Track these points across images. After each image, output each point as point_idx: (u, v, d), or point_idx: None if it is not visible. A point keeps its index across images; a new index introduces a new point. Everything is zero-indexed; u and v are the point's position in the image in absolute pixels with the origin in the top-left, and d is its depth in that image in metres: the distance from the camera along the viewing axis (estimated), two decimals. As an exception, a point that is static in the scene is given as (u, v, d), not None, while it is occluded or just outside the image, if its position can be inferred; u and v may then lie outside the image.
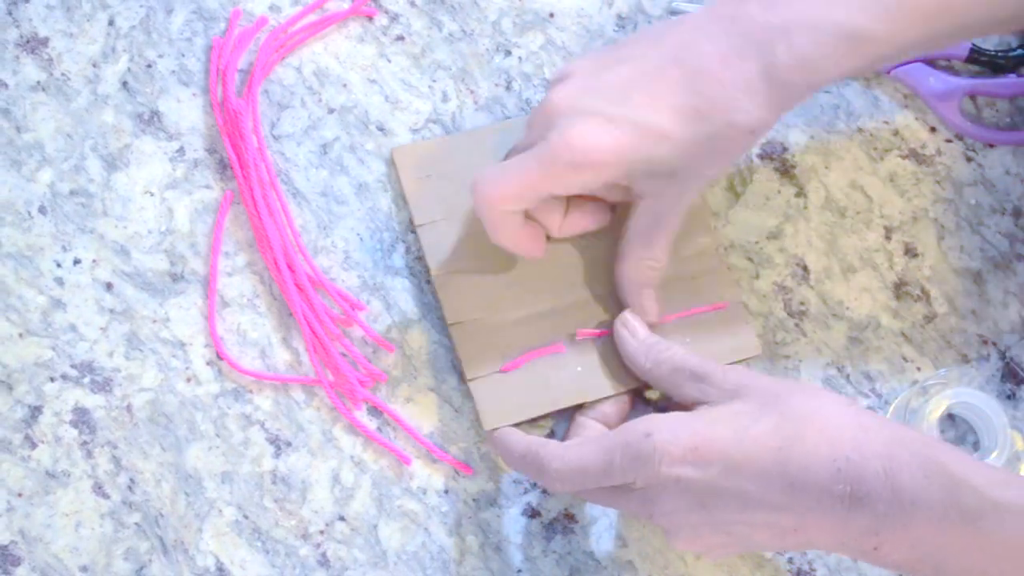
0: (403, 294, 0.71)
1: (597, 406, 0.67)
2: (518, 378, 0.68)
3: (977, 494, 0.55)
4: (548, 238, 0.68)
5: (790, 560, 0.69)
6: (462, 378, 0.69)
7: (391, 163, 0.72)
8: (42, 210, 0.72)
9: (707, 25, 0.62)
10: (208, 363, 0.70)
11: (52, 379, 0.70)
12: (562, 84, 0.64)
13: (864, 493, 0.56)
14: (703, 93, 0.61)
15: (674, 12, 0.76)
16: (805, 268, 0.72)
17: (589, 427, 0.66)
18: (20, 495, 0.68)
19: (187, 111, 0.74)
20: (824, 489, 0.56)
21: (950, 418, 0.70)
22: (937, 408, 0.68)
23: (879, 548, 0.57)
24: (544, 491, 0.69)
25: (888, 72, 0.75)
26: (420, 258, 0.72)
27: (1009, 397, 0.71)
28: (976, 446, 0.69)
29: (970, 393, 0.69)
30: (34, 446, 0.69)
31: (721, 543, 0.60)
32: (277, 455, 0.69)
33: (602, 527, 0.69)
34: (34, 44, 0.74)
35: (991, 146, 0.75)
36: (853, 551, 0.58)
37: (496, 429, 0.67)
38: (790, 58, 0.60)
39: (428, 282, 0.72)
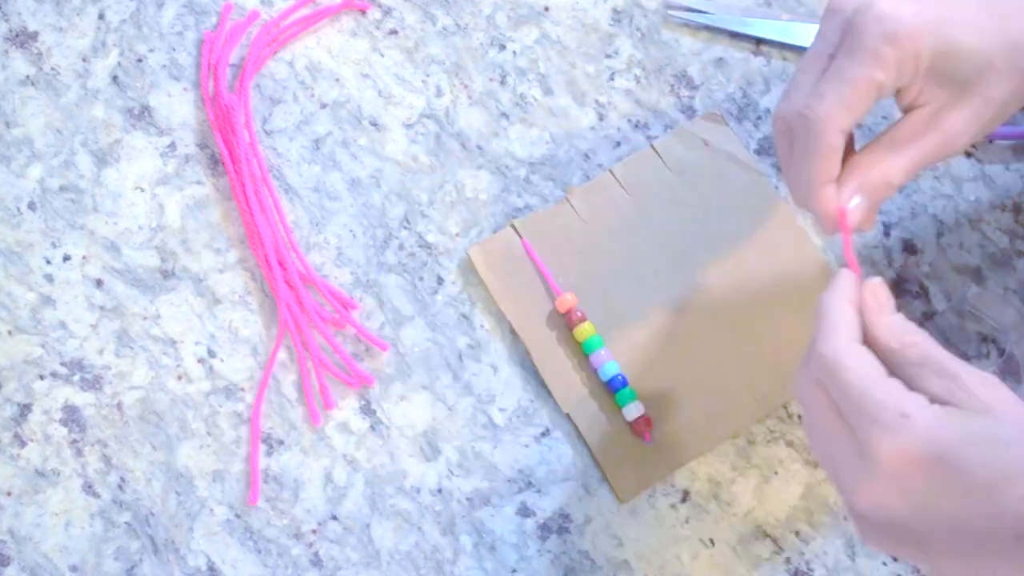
0: (396, 291, 0.71)
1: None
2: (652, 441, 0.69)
3: None
4: None
5: (787, 560, 0.68)
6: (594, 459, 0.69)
7: (469, 264, 0.71)
8: (32, 206, 0.71)
9: None
10: (199, 360, 0.70)
11: (41, 377, 0.69)
12: None
13: None
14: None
15: (670, 6, 0.75)
16: (803, 265, 0.72)
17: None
18: (9, 494, 0.68)
19: (178, 106, 0.73)
20: None
21: None
22: None
23: None
24: (539, 490, 0.69)
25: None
26: (413, 255, 0.71)
27: (1009, 395, 0.71)
28: None
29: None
30: (23, 444, 0.68)
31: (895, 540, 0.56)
32: (269, 454, 0.69)
33: (597, 526, 0.68)
34: (23, 38, 0.74)
35: (990, 141, 0.74)
36: None
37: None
38: None
39: (421, 278, 0.71)
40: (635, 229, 0.71)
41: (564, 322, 0.70)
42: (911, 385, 0.56)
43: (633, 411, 0.68)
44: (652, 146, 0.73)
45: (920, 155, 0.60)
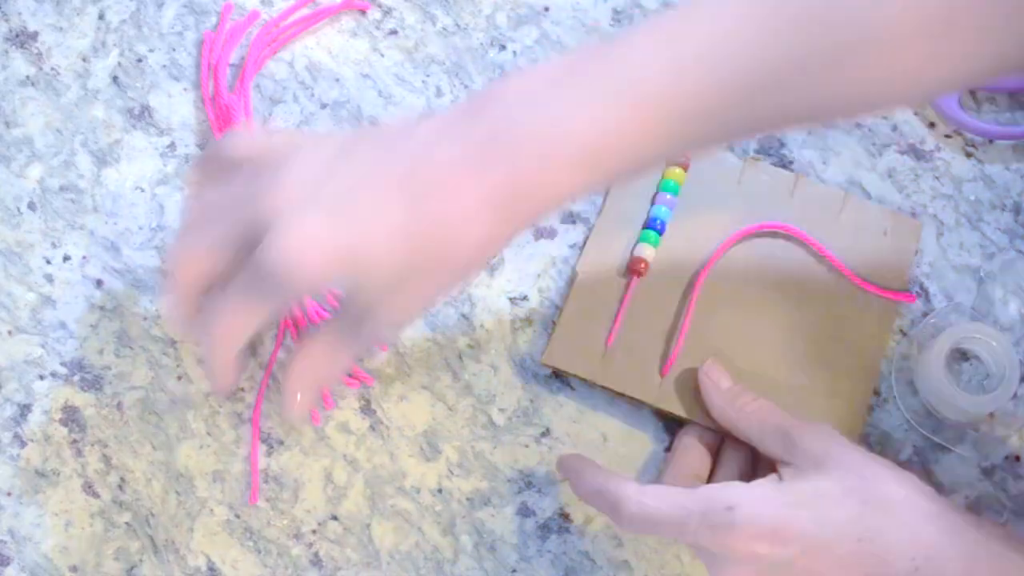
0: (396, 291, 0.71)
1: (700, 431, 0.66)
2: (616, 340, 0.68)
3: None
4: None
5: (787, 560, 0.68)
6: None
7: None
8: (31, 206, 0.71)
9: (448, 128, 0.55)
10: (199, 361, 0.70)
11: (42, 377, 0.69)
12: (286, 173, 0.55)
13: None
14: (429, 214, 0.54)
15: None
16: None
17: (692, 450, 0.65)
18: (9, 494, 0.68)
19: (178, 106, 0.73)
20: None
21: (960, 353, 0.70)
22: (946, 342, 0.68)
23: None
24: (540, 491, 0.68)
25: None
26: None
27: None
28: (984, 385, 0.69)
29: (982, 328, 0.68)
30: (23, 444, 0.68)
31: None
32: (269, 454, 0.68)
33: (598, 527, 0.68)
34: (23, 38, 0.74)
35: (991, 141, 0.74)
36: None
37: (570, 455, 0.66)
38: (522, 175, 0.54)
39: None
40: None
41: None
42: (757, 447, 0.63)
43: (643, 250, 0.69)
44: (846, 193, 0.72)
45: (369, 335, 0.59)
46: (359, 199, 0.54)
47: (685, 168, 0.71)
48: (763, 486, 0.59)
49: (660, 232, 0.69)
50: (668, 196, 0.70)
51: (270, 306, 0.57)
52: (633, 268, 0.69)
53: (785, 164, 0.73)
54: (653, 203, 0.70)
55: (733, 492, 0.58)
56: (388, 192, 0.54)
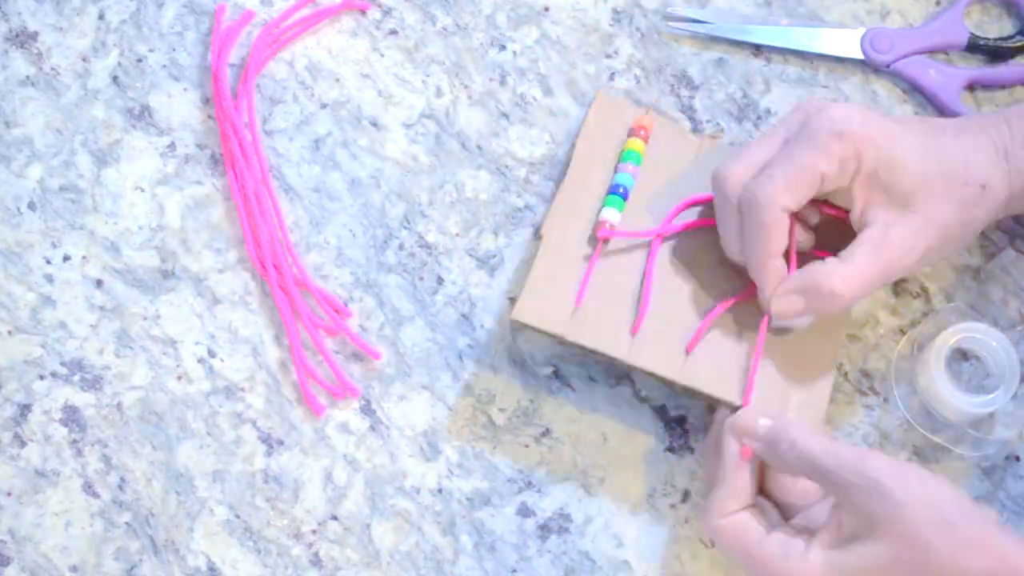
0: (396, 291, 0.71)
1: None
2: (586, 300, 0.68)
3: None
4: None
5: (787, 560, 0.68)
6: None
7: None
8: (31, 206, 0.71)
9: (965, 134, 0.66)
10: (199, 361, 0.69)
11: (41, 377, 0.69)
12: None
13: None
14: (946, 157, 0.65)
15: (669, 17, 0.75)
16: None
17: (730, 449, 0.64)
18: (9, 494, 0.68)
19: (178, 106, 0.73)
20: None
21: (960, 353, 0.70)
22: (946, 342, 0.68)
23: None
24: (540, 491, 0.68)
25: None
26: (413, 255, 0.71)
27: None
28: (985, 385, 0.69)
29: (982, 328, 0.68)
30: (23, 444, 0.68)
31: None
32: (269, 454, 0.68)
33: (598, 526, 0.68)
34: (23, 38, 0.74)
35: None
36: None
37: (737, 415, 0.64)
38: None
39: (421, 278, 0.71)
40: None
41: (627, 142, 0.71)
42: (821, 486, 0.61)
43: (608, 214, 0.69)
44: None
45: (868, 270, 0.64)
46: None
47: (645, 140, 0.71)
48: (814, 556, 0.59)
49: (624, 198, 0.70)
50: (631, 165, 0.71)
51: (820, 160, 0.63)
52: (599, 231, 0.69)
53: (785, 164, 0.73)
54: (616, 171, 0.71)
55: (786, 564, 0.59)
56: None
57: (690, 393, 0.68)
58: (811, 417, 0.67)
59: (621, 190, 0.70)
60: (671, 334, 0.68)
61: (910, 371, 0.69)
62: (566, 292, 0.68)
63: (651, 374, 0.68)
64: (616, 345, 0.68)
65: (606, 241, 0.69)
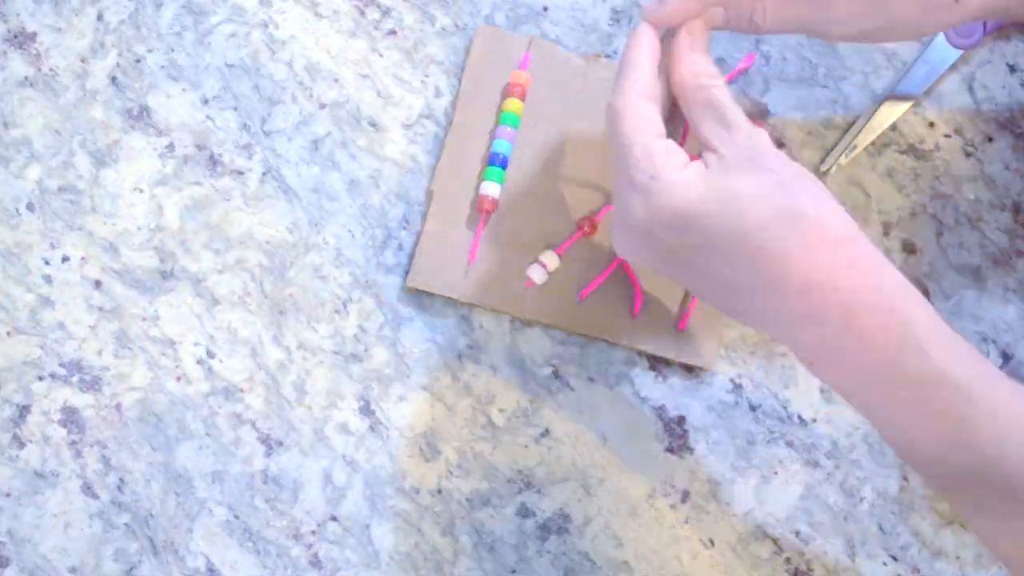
0: (395, 291, 0.71)
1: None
2: (478, 261, 0.70)
3: (924, 358, 0.54)
4: None
5: (787, 560, 0.68)
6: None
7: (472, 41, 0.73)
8: (30, 207, 0.71)
9: None
10: (198, 362, 0.69)
11: (40, 378, 0.69)
12: None
13: (819, 319, 0.54)
14: None
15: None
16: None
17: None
18: (8, 495, 0.68)
19: (177, 106, 0.73)
20: (788, 302, 0.55)
21: None
22: None
23: (814, 366, 0.56)
24: (539, 491, 0.68)
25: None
26: (412, 255, 0.71)
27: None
28: None
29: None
30: (22, 446, 0.68)
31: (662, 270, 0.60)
32: (268, 454, 0.68)
33: (597, 527, 0.68)
34: (22, 39, 0.74)
35: (990, 140, 0.74)
36: (792, 350, 0.57)
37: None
38: None
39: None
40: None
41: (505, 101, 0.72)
42: (692, 123, 0.59)
43: (487, 188, 0.70)
44: None
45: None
46: None
47: (522, 98, 0.72)
48: (689, 171, 0.57)
49: (503, 167, 0.71)
50: (509, 129, 0.72)
51: None
52: (481, 206, 0.70)
53: (784, 164, 0.73)
54: (495, 137, 0.72)
55: (664, 162, 0.57)
56: None
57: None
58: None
59: (500, 158, 0.71)
60: (566, 287, 0.70)
61: None
62: (458, 255, 0.70)
63: (550, 325, 0.70)
64: (512, 302, 0.70)
65: (488, 212, 0.71)
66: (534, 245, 0.71)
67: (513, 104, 0.72)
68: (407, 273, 0.70)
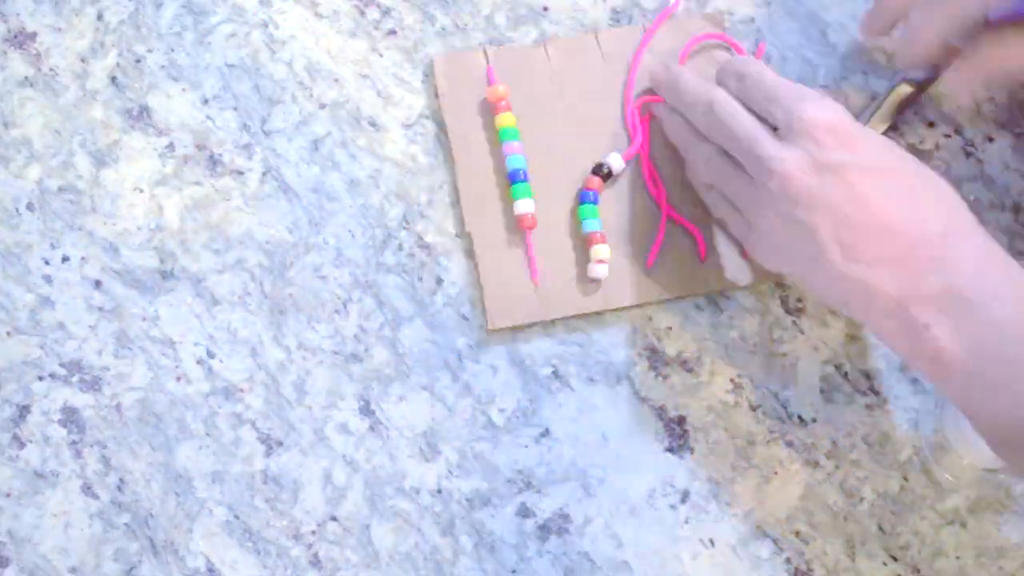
0: (395, 291, 0.71)
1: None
2: (541, 277, 0.70)
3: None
4: None
5: (787, 560, 0.68)
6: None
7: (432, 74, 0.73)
8: (30, 207, 0.71)
9: None
10: (198, 362, 0.69)
11: (40, 378, 0.69)
12: None
13: (951, 265, 0.60)
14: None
15: None
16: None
17: None
18: (8, 495, 0.68)
19: (177, 106, 0.73)
20: (921, 241, 0.60)
21: None
22: None
23: (931, 328, 0.59)
24: (539, 491, 0.68)
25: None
26: (412, 255, 0.71)
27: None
28: None
29: None
30: (22, 446, 0.68)
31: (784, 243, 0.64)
32: (268, 454, 0.68)
33: (597, 527, 0.68)
34: (22, 39, 0.74)
35: (990, 140, 0.74)
36: (909, 323, 0.60)
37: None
38: None
39: (421, 279, 0.71)
40: (599, 94, 0.73)
41: (492, 126, 0.72)
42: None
43: (523, 206, 0.70)
44: (643, 27, 0.74)
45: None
46: None
47: (510, 109, 0.72)
48: (798, 150, 0.62)
49: (526, 180, 0.71)
50: (515, 144, 0.71)
51: None
52: (523, 225, 0.71)
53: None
54: (505, 155, 0.72)
55: (829, 97, 0.64)
56: None
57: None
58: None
59: (520, 174, 0.71)
60: (630, 264, 0.71)
61: (939, 408, 0.69)
62: (521, 279, 0.70)
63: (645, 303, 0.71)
64: (594, 302, 0.70)
65: (531, 228, 0.71)
66: (578, 237, 0.71)
67: (506, 119, 0.72)
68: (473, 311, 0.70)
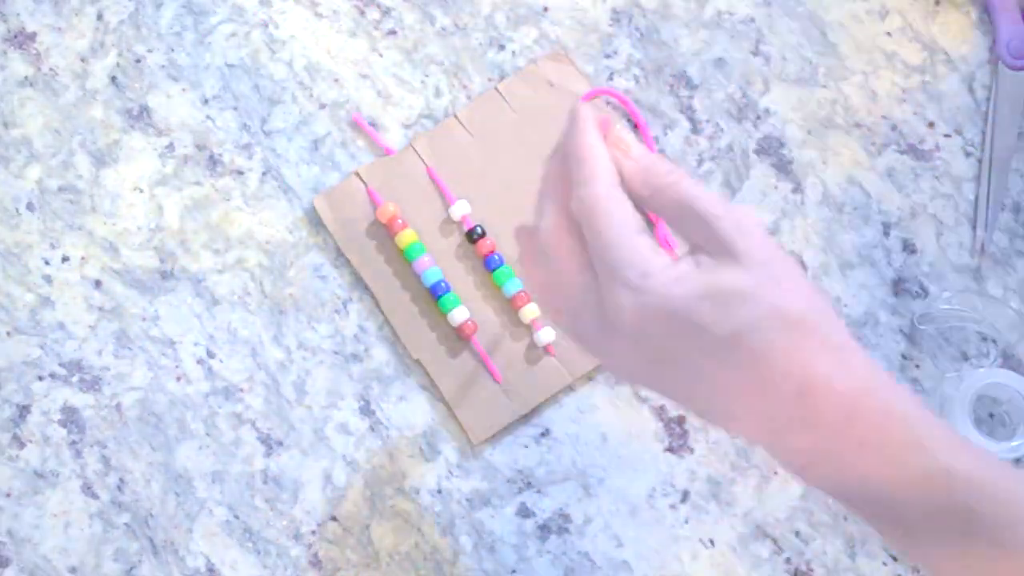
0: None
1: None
2: (502, 373, 0.69)
3: (928, 455, 0.52)
4: None
5: (787, 560, 0.68)
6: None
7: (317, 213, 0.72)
8: (30, 207, 0.71)
9: None
10: (198, 361, 0.69)
11: (40, 378, 0.69)
12: None
13: (815, 422, 0.52)
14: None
15: None
16: (802, 264, 0.72)
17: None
18: (8, 495, 0.68)
19: (177, 106, 0.73)
20: (783, 405, 0.52)
21: (991, 400, 0.70)
22: (971, 388, 0.68)
23: (807, 471, 0.53)
24: (539, 491, 0.68)
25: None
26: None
27: (1009, 395, 0.71)
28: (1011, 431, 0.69)
29: (1005, 374, 0.68)
30: (22, 446, 0.68)
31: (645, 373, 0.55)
32: (268, 454, 0.68)
33: (597, 527, 0.68)
34: (22, 39, 0.74)
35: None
36: (783, 462, 0.54)
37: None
38: None
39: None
40: (480, 172, 0.72)
41: (394, 246, 0.70)
42: (673, 227, 0.55)
43: (457, 316, 0.69)
44: (497, 89, 0.73)
45: None
46: None
47: (406, 226, 0.70)
48: (679, 268, 0.53)
49: (449, 289, 0.69)
50: (425, 258, 0.70)
51: None
52: (464, 334, 0.69)
53: (785, 164, 0.73)
54: (418, 273, 0.70)
55: (653, 260, 0.53)
56: None
57: None
58: None
59: (442, 286, 0.69)
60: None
61: (938, 407, 0.69)
62: (485, 385, 0.69)
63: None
64: (559, 378, 0.69)
65: (474, 332, 0.69)
66: (523, 313, 0.70)
67: (405, 237, 0.70)
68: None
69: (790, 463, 0.53)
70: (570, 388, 0.70)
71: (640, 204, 0.55)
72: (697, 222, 0.53)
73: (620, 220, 0.53)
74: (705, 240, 0.53)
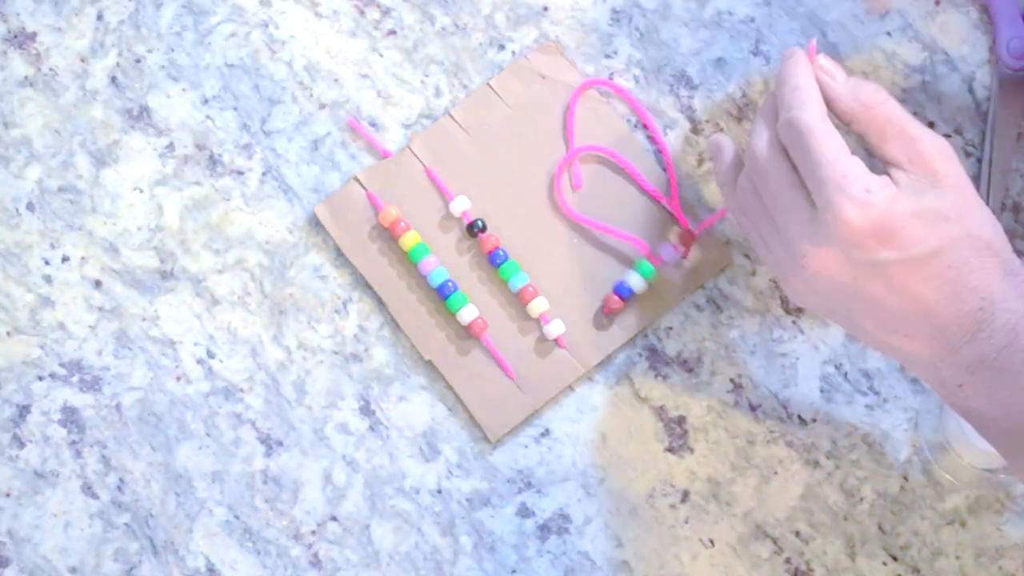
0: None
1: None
2: (515, 369, 0.69)
3: None
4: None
5: (787, 560, 0.68)
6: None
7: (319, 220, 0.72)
8: (30, 207, 0.71)
9: None
10: (198, 362, 0.69)
11: (40, 378, 0.69)
12: None
13: (986, 335, 0.57)
14: None
15: None
16: (802, 264, 0.72)
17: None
18: (8, 495, 0.68)
19: (177, 106, 0.73)
20: (957, 318, 0.58)
21: None
22: None
23: (964, 388, 0.58)
24: (539, 491, 0.68)
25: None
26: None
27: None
28: None
29: None
30: (22, 446, 0.68)
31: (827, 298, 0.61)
32: (268, 454, 0.68)
33: (597, 527, 0.68)
34: (22, 39, 0.74)
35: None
36: (940, 381, 0.59)
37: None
38: None
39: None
40: (478, 168, 0.72)
41: (398, 248, 0.70)
42: (873, 145, 0.61)
43: (467, 315, 0.69)
44: (489, 85, 0.73)
45: None
46: None
47: (409, 228, 0.70)
48: (893, 185, 0.59)
49: (455, 289, 0.69)
50: (430, 259, 0.70)
51: None
52: (474, 332, 0.69)
53: (784, 164, 0.73)
54: (425, 274, 0.70)
55: (873, 179, 0.59)
56: None
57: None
58: None
59: (450, 286, 0.69)
60: (584, 319, 0.70)
61: (939, 408, 0.69)
62: (497, 380, 0.69)
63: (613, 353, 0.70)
64: (572, 371, 0.69)
65: (483, 330, 0.69)
66: (531, 307, 0.70)
67: (409, 239, 0.70)
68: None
69: (950, 380, 0.59)
70: (570, 388, 0.70)
71: (845, 118, 0.62)
72: (902, 140, 0.60)
73: (837, 141, 0.60)
74: (908, 159, 0.60)
